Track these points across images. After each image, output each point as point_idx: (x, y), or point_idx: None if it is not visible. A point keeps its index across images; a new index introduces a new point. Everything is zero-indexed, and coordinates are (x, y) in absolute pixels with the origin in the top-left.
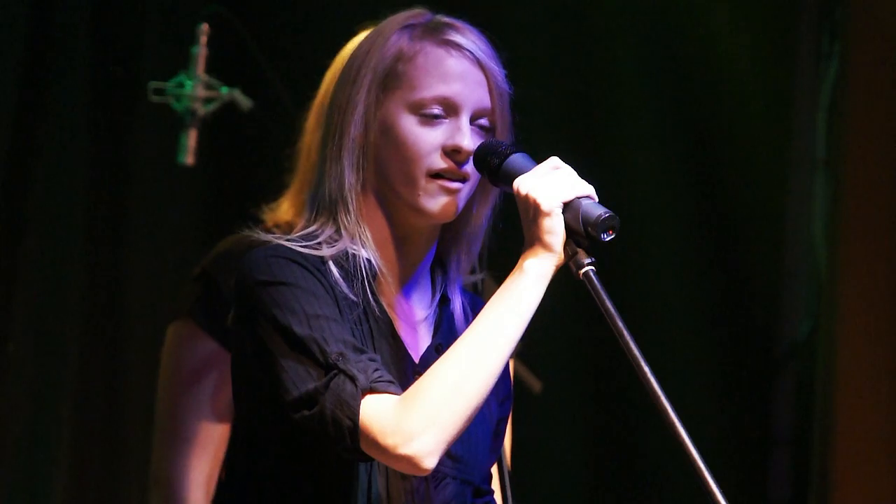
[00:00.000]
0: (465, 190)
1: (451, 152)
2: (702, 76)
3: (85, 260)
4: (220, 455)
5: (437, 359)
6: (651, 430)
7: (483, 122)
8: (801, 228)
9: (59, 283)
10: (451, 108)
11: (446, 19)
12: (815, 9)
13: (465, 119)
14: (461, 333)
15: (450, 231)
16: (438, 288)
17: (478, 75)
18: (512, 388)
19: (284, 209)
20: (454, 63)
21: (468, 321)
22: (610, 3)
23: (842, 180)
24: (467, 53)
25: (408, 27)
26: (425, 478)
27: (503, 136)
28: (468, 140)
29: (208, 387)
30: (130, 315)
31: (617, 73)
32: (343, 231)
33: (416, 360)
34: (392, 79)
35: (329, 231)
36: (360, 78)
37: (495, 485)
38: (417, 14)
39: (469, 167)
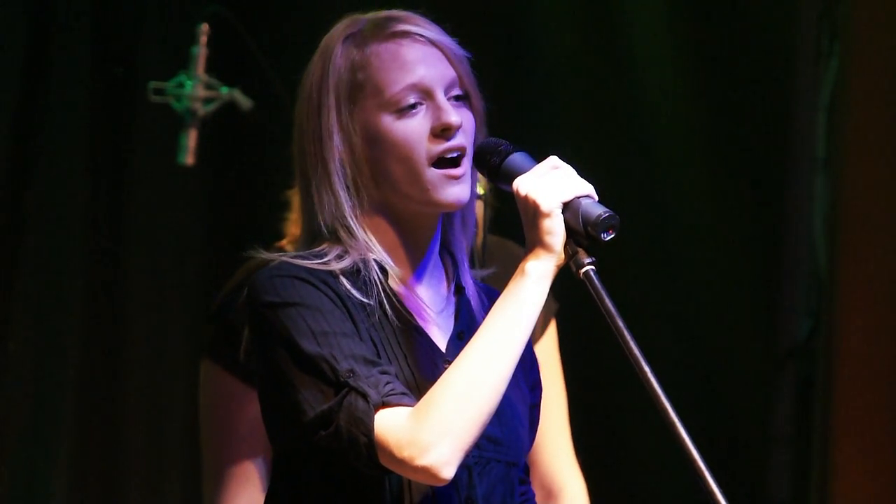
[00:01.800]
0: (467, 172)
1: (442, 132)
2: (701, 76)
3: (85, 260)
4: (266, 485)
5: (461, 346)
6: (651, 430)
7: (456, 91)
8: (801, 228)
9: (59, 283)
10: (424, 93)
11: (380, 15)
12: (815, 9)
13: (440, 97)
14: (480, 320)
15: (447, 215)
16: (452, 276)
17: (434, 52)
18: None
19: (295, 220)
20: (407, 50)
21: (485, 307)
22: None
23: (842, 180)
24: (416, 37)
25: (349, 38)
26: (466, 465)
27: (476, 98)
28: (454, 115)
29: (243, 424)
30: (130, 315)
31: (616, 74)
32: (349, 248)
33: (443, 350)
34: (357, 91)
35: (336, 250)
36: (325, 103)
37: None
38: (349, 23)
39: (461, 140)
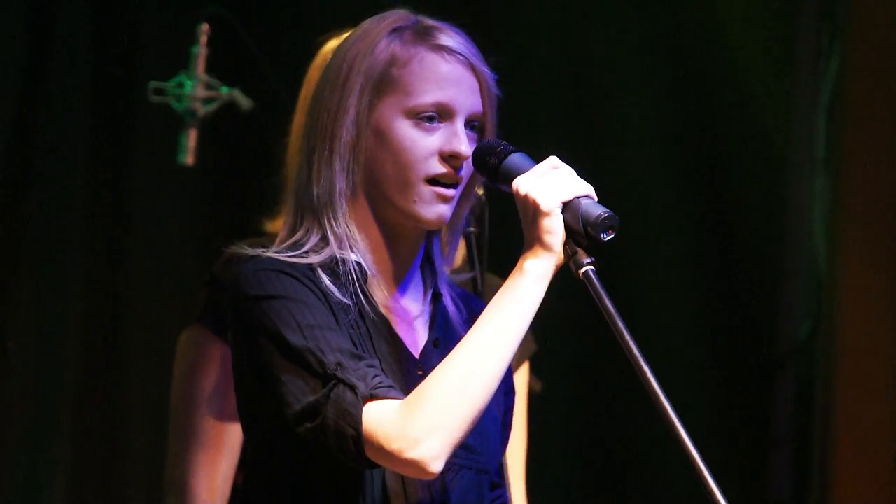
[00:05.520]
0: (457, 196)
1: (449, 157)
2: (701, 76)
3: (85, 260)
4: (236, 456)
5: (436, 353)
6: (651, 430)
7: (474, 123)
8: (801, 228)
9: (59, 283)
10: (446, 113)
11: (431, 22)
12: (815, 9)
13: (460, 124)
14: (456, 327)
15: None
16: (430, 284)
17: (471, 80)
18: (516, 380)
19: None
20: (449, 68)
21: (461, 314)
22: (611, 2)
23: (842, 180)
24: (461, 58)
25: (395, 31)
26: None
27: (491, 137)
28: (465, 146)
29: (221, 389)
30: (130, 315)
31: (617, 74)
32: (330, 237)
33: (417, 356)
34: (386, 83)
35: (314, 238)
36: (351, 82)
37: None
38: (400, 17)
39: (464, 172)
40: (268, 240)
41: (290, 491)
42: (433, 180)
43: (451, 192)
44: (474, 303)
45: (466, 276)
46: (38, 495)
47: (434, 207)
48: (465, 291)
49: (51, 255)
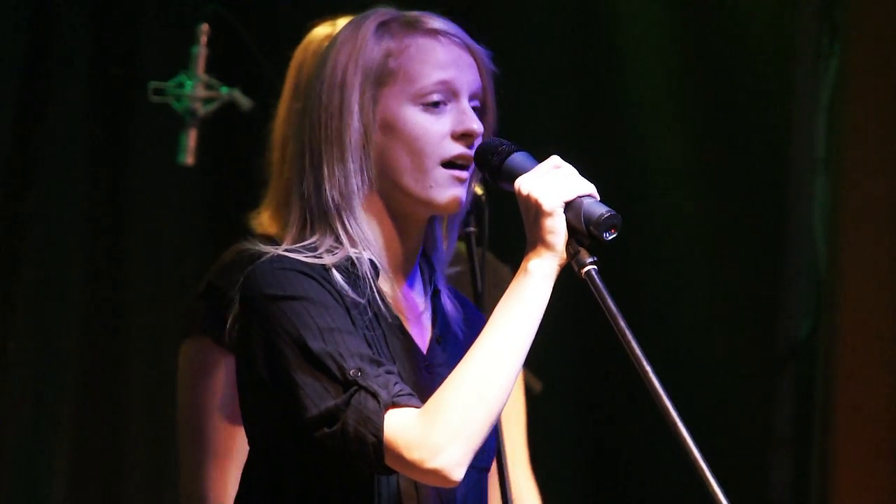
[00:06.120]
0: (470, 179)
1: (462, 136)
2: (701, 76)
3: (85, 260)
4: None
5: (439, 351)
6: (652, 430)
7: (475, 103)
8: (801, 228)
9: (59, 282)
10: (450, 93)
11: (414, 12)
12: (815, 9)
13: (465, 102)
14: (454, 325)
15: (432, 222)
16: (428, 280)
17: (468, 58)
18: None
19: (266, 222)
20: (446, 49)
21: (459, 313)
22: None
23: (842, 180)
24: (455, 39)
25: (382, 25)
26: None
27: (492, 114)
28: (477, 123)
29: (229, 398)
30: (130, 315)
31: (617, 76)
32: (343, 237)
33: (424, 353)
34: (385, 76)
35: (328, 241)
36: (349, 81)
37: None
38: (382, 13)
39: (475, 150)
40: (259, 240)
41: (296, 493)
42: (449, 163)
43: (465, 174)
44: (464, 301)
45: (451, 270)
46: (38, 495)
47: (450, 190)
48: (452, 288)
49: (51, 255)
